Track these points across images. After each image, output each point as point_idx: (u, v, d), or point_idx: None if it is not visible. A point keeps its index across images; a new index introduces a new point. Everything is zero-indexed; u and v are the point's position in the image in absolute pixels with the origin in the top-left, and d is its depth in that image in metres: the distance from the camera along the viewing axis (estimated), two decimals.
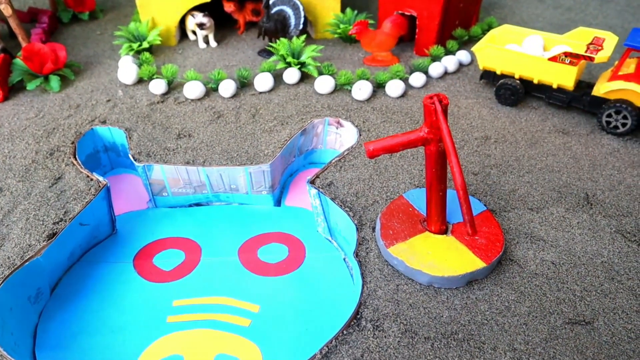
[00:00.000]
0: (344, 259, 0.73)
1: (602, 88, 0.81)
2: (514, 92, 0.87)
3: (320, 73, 0.92)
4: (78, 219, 0.70)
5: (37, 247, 0.65)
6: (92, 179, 0.74)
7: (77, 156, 0.79)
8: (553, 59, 0.83)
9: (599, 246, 0.65)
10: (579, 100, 0.85)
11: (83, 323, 0.66)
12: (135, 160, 0.77)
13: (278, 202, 0.82)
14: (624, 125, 0.80)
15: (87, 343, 0.64)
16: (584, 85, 0.87)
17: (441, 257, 0.61)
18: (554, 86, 0.85)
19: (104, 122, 0.84)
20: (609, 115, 0.81)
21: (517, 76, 0.88)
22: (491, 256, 0.61)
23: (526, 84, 0.88)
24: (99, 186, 0.73)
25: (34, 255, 0.64)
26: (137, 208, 0.82)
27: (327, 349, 0.54)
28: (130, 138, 0.81)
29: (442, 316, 0.58)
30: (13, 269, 0.62)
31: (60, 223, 0.68)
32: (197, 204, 0.82)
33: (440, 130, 0.52)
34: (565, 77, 0.83)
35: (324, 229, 0.76)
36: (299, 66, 0.92)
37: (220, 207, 0.82)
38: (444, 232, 0.64)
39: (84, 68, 1.00)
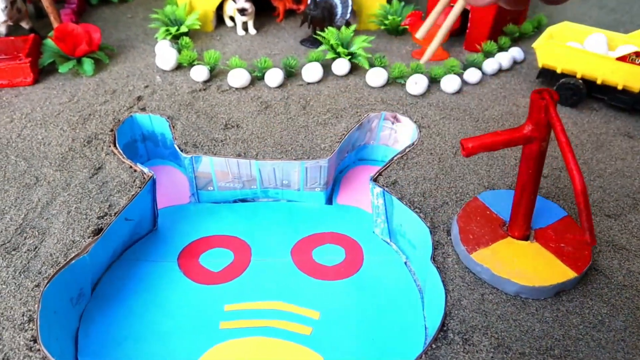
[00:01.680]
0: (405, 263, 0.68)
1: None
2: (576, 92, 0.83)
3: (372, 65, 0.87)
4: (124, 214, 0.64)
5: (82, 243, 0.60)
6: (135, 170, 0.69)
7: (117, 145, 0.73)
8: (622, 58, 0.78)
9: None
10: None
11: (127, 327, 0.60)
12: (181, 151, 0.71)
13: (329, 200, 0.77)
14: None
15: (133, 350, 0.58)
16: None
17: (529, 265, 0.56)
18: (619, 87, 0.81)
19: (143, 110, 0.79)
20: None
21: (579, 75, 0.83)
22: (581, 266, 0.56)
23: (588, 84, 0.83)
24: (144, 178, 0.67)
25: (80, 253, 0.58)
26: (177, 203, 0.77)
27: None
28: (174, 127, 0.75)
29: (534, 330, 0.53)
30: (58, 267, 0.56)
31: (105, 218, 0.63)
32: (242, 200, 0.77)
33: (556, 129, 0.47)
34: (633, 78, 0.79)
35: (382, 230, 0.71)
36: (349, 57, 0.87)
37: (267, 203, 0.77)
38: (527, 237, 0.59)
39: (117, 52, 0.94)
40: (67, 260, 0.57)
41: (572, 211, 0.66)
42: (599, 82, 0.81)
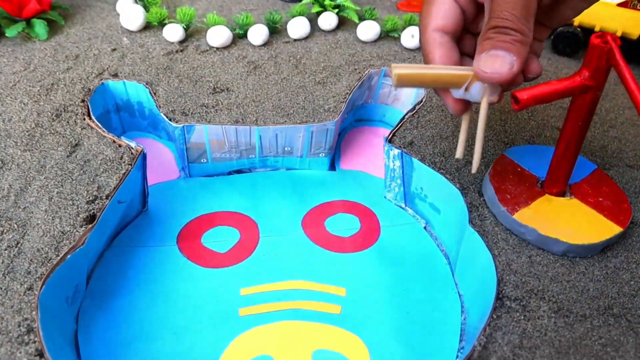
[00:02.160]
0: (425, 228, 0.64)
1: None
2: (574, 40, 0.80)
3: (361, 18, 0.81)
4: (117, 196, 0.56)
5: (75, 234, 0.51)
6: (120, 145, 0.60)
7: (92, 117, 0.64)
8: (623, 4, 0.76)
9: None
10: None
11: (135, 325, 0.53)
12: (170, 120, 0.63)
13: (331, 166, 0.71)
14: None
15: (146, 351, 0.51)
16: None
17: (573, 222, 0.53)
18: (618, 34, 0.79)
19: (115, 76, 0.69)
20: None
21: (576, 23, 0.80)
22: (624, 219, 0.54)
23: (586, 32, 0.81)
24: (132, 154, 0.59)
25: (75, 245, 0.50)
26: (165, 179, 0.68)
27: (484, 339, 0.45)
28: (155, 94, 0.67)
29: (589, 290, 0.50)
30: (53, 265, 0.48)
31: (96, 202, 0.54)
32: (238, 171, 0.70)
33: (625, 76, 0.43)
34: (632, 24, 0.77)
35: (396, 195, 0.66)
36: (336, 10, 0.80)
37: (266, 173, 0.70)
38: (564, 194, 0.56)
39: (72, 12, 0.82)
40: (62, 255, 0.49)
41: (598, 164, 0.63)
42: (597, 29, 0.79)
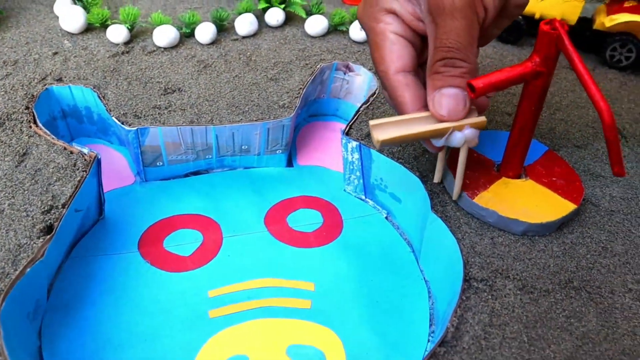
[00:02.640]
0: (387, 218, 0.65)
1: (607, 22, 0.80)
2: (517, 29, 0.83)
3: (308, 13, 0.81)
4: (74, 205, 0.54)
5: (33, 246, 0.49)
6: (72, 152, 0.58)
7: (39, 124, 0.61)
8: None
9: None
10: (580, 36, 0.83)
11: (102, 336, 0.51)
12: (122, 123, 0.61)
13: (289, 163, 0.71)
14: (627, 58, 0.80)
15: None
16: (580, 21, 0.85)
17: (531, 203, 0.55)
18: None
19: (59, 80, 0.66)
20: (614, 49, 0.80)
21: None
22: (577, 197, 0.56)
23: (527, 20, 0.84)
24: (86, 160, 0.57)
25: (34, 258, 0.48)
26: (120, 185, 0.66)
27: (456, 321, 0.46)
28: (103, 97, 0.64)
29: (550, 266, 0.52)
30: (12, 279, 0.46)
31: (52, 212, 0.52)
32: (195, 173, 0.68)
33: (574, 60, 0.45)
34: (570, 11, 0.80)
35: (355, 187, 0.67)
36: (282, 5, 0.80)
37: (224, 173, 0.69)
38: (520, 176, 0.58)
39: (5, 15, 0.78)
40: (21, 269, 0.47)
41: (548, 146, 0.66)
42: (537, 16, 0.82)
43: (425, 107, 0.50)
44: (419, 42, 0.51)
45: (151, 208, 0.64)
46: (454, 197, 0.55)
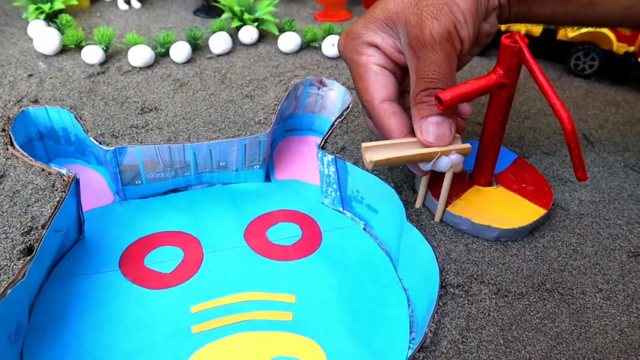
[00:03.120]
0: (364, 229, 0.66)
1: (570, 32, 0.83)
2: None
3: (281, 30, 0.82)
4: (53, 225, 0.54)
5: (13, 267, 0.49)
6: (50, 173, 0.58)
7: (15, 146, 0.61)
8: None
9: (619, 181, 0.66)
10: (545, 46, 0.86)
11: (85, 356, 0.51)
12: (100, 143, 0.62)
13: (266, 178, 0.72)
14: (591, 67, 0.83)
15: None
16: (545, 32, 0.88)
17: (503, 209, 0.57)
18: (522, 32, 0.85)
19: (35, 102, 0.67)
20: (577, 58, 0.83)
21: None
22: (547, 202, 0.58)
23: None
24: (64, 180, 0.57)
25: (16, 279, 0.48)
26: (99, 204, 0.67)
27: (434, 326, 0.48)
28: (80, 118, 0.65)
29: (523, 269, 0.54)
30: None
31: (31, 233, 0.52)
32: (174, 190, 0.69)
33: (534, 71, 0.47)
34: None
35: (333, 200, 0.68)
36: (256, 24, 0.81)
37: (203, 190, 0.70)
38: (491, 184, 0.60)
39: None
40: (2, 290, 0.47)
41: (518, 153, 0.68)
42: (503, 29, 0.85)
43: (410, 133, 0.53)
44: (399, 73, 0.55)
45: (131, 226, 0.64)
46: (437, 219, 0.57)
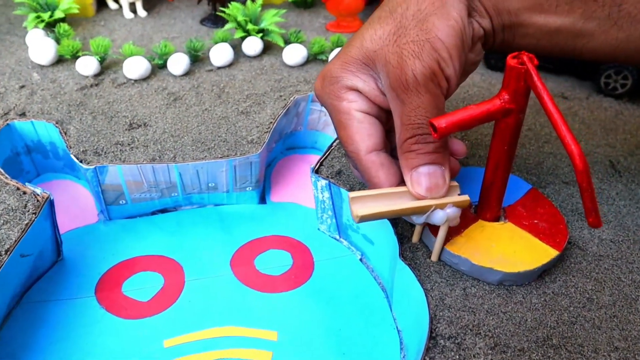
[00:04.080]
0: (361, 260, 0.61)
1: None
2: (505, 55, 0.79)
3: (287, 42, 0.78)
4: (18, 250, 0.51)
5: None
6: (25, 192, 0.55)
7: None
8: None
9: None
10: (571, 63, 0.79)
11: None
12: (80, 161, 0.59)
13: (262, 199, 0.68)
14: (623, 86, 0.76)
15: None
16: None
17: (508, 249, 0.51)
18: None
19: (22, 115, 0.64)
20: (608, 76, 0.76)
21: None
22: (560, 242, 0.52)
23: None
24: (38, 201, 0.54)
25: None
26: (83, 223, 0.64)
27: None
28: (65, 133, 0.62)
29: (527, 320, 0.48)
30: None
31: None
32: (163, 210, 0.66)
33: (543, 98, 0.41)
34: None
35: (329, 227, 0.63)
36: (260, 35, 0.77)
37: (193, 211, 0.66)
38: (498, 218, 0.54)
39: None
40: None
41: (529, 182, 0.62)
42: None
43: (401, 182, 0.48)
44: (384, 115, 0.50)
45: (113, 249, 0.61)
46: (433, 258, 0.52)
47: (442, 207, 0.46)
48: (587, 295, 0.50)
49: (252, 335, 0.54)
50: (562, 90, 0.78)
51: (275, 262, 0.61)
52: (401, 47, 0.43)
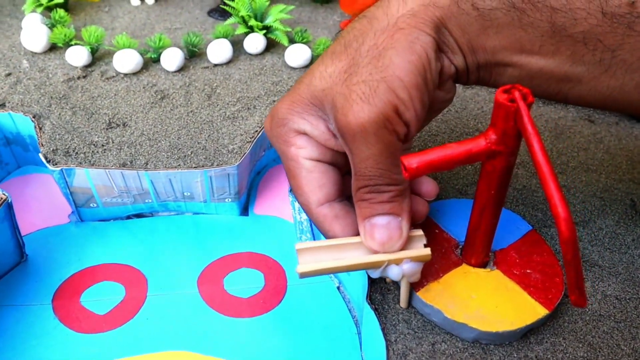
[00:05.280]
0: (338, 289, 0.56)
1: None
2: None
3: (292, 41, 0.73)
4: None
5: None
6: None
7: None
8: None
9: None
10: None
11: None
12: (48, 161, 0.56)
13: (244, 210, 0.64)
14: None
15: None
16: None
17: (490, 302, 0.45)
18: None
19: (2, 106, 0.62)
20: None
21: None
22: (553, 298, 0.46)
23: None
24: None
25: None
26: (54, 223, 0.61)
27: None
28: (40, 129, 0.59)
29: None
30: None
31: None
32: (139, 215, 0.62)
33: (531, 145, 0.35)
34: None
35: None
36: (264, 31, 0.72)
37: (170, 218, 0.62)
38: (485, 264, 0.48)
39: None
40: None
41: (533, 219, 0.55)
42: None
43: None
44: (341, 159, 0.45)
45: (79, 253, 0.58)
46: (402, 304, 0.47)
47: (397, 262, 0.41)
48: None
49: None
50: (590, 113, 0.70)
51: (245, 282, 0.57)
52: (350, 88, 0.38)
